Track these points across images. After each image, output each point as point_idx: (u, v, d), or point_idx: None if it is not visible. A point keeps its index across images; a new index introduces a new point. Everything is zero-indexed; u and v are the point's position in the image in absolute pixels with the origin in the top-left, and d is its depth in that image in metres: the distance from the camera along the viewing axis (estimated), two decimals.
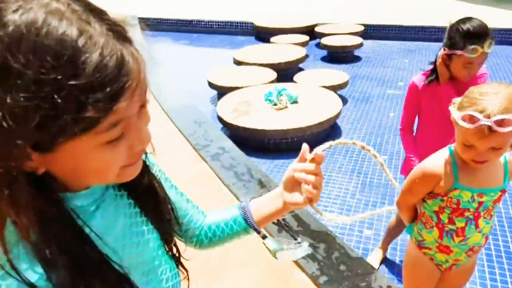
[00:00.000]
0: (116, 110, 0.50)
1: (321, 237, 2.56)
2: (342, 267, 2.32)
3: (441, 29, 2.09)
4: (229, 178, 3.31)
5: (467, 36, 1.83)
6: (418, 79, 2.15)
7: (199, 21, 10.85)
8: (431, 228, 1.48)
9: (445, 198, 1.39)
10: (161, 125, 4.54)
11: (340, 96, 5.31)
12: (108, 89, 0.48)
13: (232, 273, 2.40)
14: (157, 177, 0.78)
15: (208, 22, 10.75)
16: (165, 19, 11.15)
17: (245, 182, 3.23)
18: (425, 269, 1.57)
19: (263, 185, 3.18)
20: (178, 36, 10.38)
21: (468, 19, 1.90)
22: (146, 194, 0.73)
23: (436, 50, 2.21)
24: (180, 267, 0.81)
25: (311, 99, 4.95)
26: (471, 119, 1.22)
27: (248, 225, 0.90)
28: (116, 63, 0.49)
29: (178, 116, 4.77)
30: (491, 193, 1.37)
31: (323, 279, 2.24)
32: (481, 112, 1.21)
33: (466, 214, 1.39)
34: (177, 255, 0.80)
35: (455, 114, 1.29)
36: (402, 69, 6.91)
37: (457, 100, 1.35)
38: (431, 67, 2.13)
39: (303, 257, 2.40)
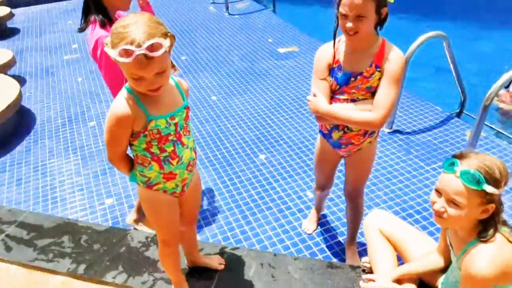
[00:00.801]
0: None
1: (61, 230, 2.30)
2: (96, 246, 2.19)
3: None
4: None
5: None
6: (106, 33, 1.99)
7: None
8: (150, 165, 1.53)
9: (146, 132, 1.46)
10: None
11: (14, 76, 4.57)
12: None
13: None
14: None
15: None
16: None
17: None
18: (164, 203, 1.64)
19: None
20: None
21: None
22: None
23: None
24: None
25: None
26: (126, 52, 1.26)
27: None
28: None
29: None
30: (179, 113, 1.52)
31: (82, 267, 2.07)
32: (131, 43, 1.25)
33: (170, 138, 1.51)
34: None
35: (111, 52, 1.30)
36: (69, 31, 6.52)
37: (107, 39, 1.34)
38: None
39: (49, 260, 2.12)
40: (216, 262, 2.06)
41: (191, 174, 1.68)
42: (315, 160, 2.23)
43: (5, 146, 3.65)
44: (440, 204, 1.39)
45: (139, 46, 1.25)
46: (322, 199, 2.60)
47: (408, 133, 3.59)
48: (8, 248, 2.19)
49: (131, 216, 2.66)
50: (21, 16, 7.29)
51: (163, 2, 7.68)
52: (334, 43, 1.78)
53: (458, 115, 3.85)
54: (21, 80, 4.82)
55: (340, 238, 2.62)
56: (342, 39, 1.78)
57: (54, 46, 5.98)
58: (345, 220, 2.70)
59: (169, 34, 1.34)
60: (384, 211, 2.02)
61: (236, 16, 6.82)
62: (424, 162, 3.21)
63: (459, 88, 3.81)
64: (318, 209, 2.68)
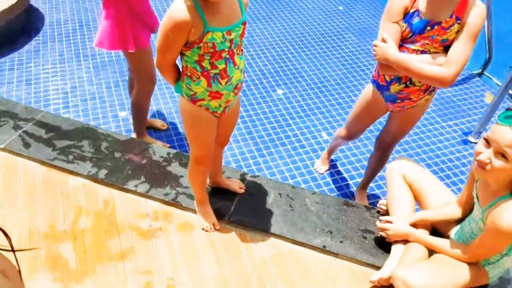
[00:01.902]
0: None
1: (81, 134, 2.25)
2: (117, 154, 2.17)
3: None
4: None
5: None
6: None
7: None
8: (198, 79, 1.48)
9: (201, 44, 1.39)
10: None
11: None
12: None
13: None
14: None
15: None
16: None
17: None
18: (204, 121, 1.61)
19: None
20: None
21: None
22: None
23: None
24: None
25: None
26: None
27: None
28: None
29: None
30: (236, 28, 1.43)
31: (103, 172, 2.05)
32: None
33: (223, 55, 1.44)
34: None
35: None
36: None
37: None
38: None
39: (69, 162, 2.09)
40: (237, 186, 2.08)
41: (235, 97, 1.63)
42: (357, 110, 2.07)
43: (12, 44, 3.46)
44: (486, 154, 1.37)
45: None
46: (341, 145, 2.55)
47: None
48: (27, 145, 2.15)
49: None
50: None
51: None
52: None
53: (479, 75, 3.77)
54: None
55: (351, 182, 2.66)
56: None
57: None
58: (357, 164, 2.75)
59: None
60: (410, 159, 2.02)
61: None
62: (441, 118, 3.21)
63: (486, 46, 3.69)
64: (331, 151, 2.66)
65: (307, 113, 3.13)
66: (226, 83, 1.50)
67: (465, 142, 3.01)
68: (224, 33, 1.39)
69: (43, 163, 2.08)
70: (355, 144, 2.90)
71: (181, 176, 2.09)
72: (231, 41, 1.42)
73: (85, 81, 3.16)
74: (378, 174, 2.41)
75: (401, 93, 1.80)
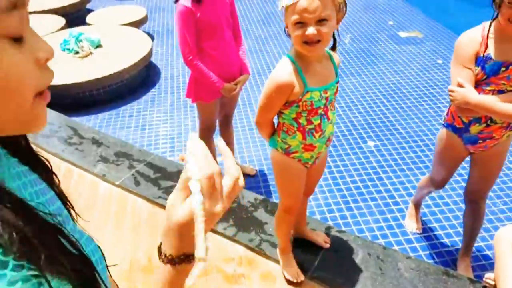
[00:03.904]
0: None
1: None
2: None
3: None
4: (53, 146, 2.79)
5: None
6: (186, 1, 2.08)
7: None
8: (294, 134, 1.57)
9: (300, 103, 1.48)
10: None
11: (144, 32, 4.97)
12: None
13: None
14: None
15: None
16: None
17: (76, 145, 2.78)
18: (296, 171, 1.69)
19: (100, 143, 2.81)
20: None
21: None
22: (31, 154, 0.57)
23: None
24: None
25: (115, 40, 4.47)
26: None
27: None
28: None
29: None
30: (331, 87, 1.53)
31: None
32: None
33: (319, 111, 1.53)
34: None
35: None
36: None
37: None
38: None
39: None
40: (322, 239, 2.06)
41: (326, 149, 1.70)
42: (438, 156, 2.05)
43: (134, 94, 4.04)
44: None
45: None
46: (427, 195, 2.45)
47: None
48: (137, 183, 2.44)
49: None
50: None
51: None
52: (489, 30, 1.64)
53: None
54: (150, 37, 5.22)
55: (452, 248, 2.41)
56: (486, 26, 1.65)
57: None
58: (459, 229, 2.46)
59: None
60: None
61: None
62: None
63: None
64: (418, 204, 2.52)
65: (402, 167, 3.01)
66: (319, 136, 1.58)
67: None
68: (322, 92, 1.49)
69: (149, 200, 2.33)
70: (457, 205, 2.66)
71: (266, 223, 2.16)
72: (326, 98, 1.52)
73: (189, 128, 3.51)
74: (485, 242, 2.17)
75: (483, 133, 1.79)
